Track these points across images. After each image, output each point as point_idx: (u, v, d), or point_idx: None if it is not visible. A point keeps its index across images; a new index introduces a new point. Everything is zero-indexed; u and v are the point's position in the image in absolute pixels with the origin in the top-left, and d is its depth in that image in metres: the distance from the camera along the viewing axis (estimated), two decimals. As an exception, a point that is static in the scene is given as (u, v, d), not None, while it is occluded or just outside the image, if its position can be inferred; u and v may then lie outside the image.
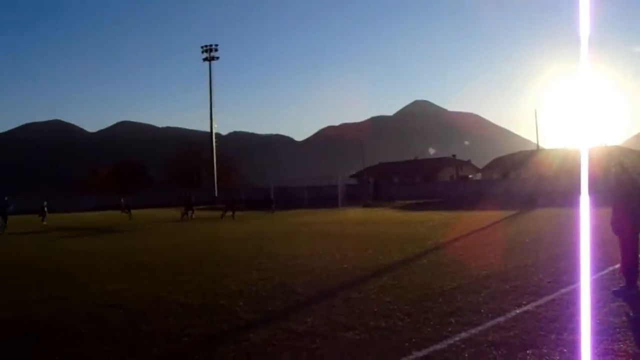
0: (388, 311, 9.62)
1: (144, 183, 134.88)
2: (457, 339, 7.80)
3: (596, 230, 15.34)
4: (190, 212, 46.87)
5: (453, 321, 8.75)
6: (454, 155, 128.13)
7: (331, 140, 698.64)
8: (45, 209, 51.43)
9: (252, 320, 9.38)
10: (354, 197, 68.47)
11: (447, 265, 14.62)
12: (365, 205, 60.75)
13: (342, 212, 50.50)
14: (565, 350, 7.09)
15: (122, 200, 58.58)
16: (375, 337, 8.04)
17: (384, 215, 42.89)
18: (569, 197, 31.98)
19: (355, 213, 46.64)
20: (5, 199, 39.83)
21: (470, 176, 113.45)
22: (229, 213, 48.34)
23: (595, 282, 11.24)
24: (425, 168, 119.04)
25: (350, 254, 17.79)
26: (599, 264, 12.94)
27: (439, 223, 30.86)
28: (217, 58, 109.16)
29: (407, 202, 66.22)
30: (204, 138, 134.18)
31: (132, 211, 53.03)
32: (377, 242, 20.97)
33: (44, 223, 47.38)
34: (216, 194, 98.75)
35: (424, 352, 7.27)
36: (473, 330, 8.19)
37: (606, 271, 12.38)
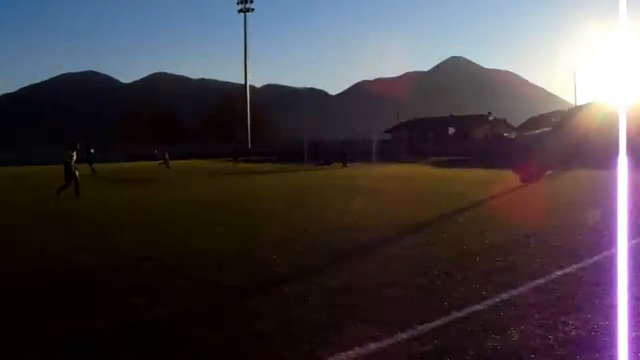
0: (426, 268, 9.39)
1: (178, 134, 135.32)
2: (497, 300, 7.55)
3: (636, 193, 15.12)
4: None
5: (492, 281, 8.52)
6: (489, 113, 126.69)
7: (366, 94, 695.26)
8: (167, 156, 53.33)
9: (286, 275, 9.21)
10: (388, 152, 68.07)
11: (484, 223, 14.33)
12: (400, 161, 60.41)
13: (376, 167, 50.25)
14: (609, 315, 6.83)
15: (156, 151, 58.42)
16: (414, 295, 7.82)
17: (419, 171, 42.59)
18: (605, 159, 31.59)
19: (389, 168, 46.30)
20: (92, 150, 41.50)
21: (505, 134, 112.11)
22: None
23: (636, 247, 10.92)
24: (460, 125, 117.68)
25: (385, 209, 17.58)
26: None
27: (474, 180, 30.57)
28: (252, 9, 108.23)
29: (441, 158, 65.63)
30: (238, 90, 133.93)
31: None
32: (412, 198, 20.76)
33: (168, 168, 49.93)
34: (249, 146, 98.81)
35: (464, 312, 7.03)
36: (513, 292, 7.94)
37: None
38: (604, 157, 37.29)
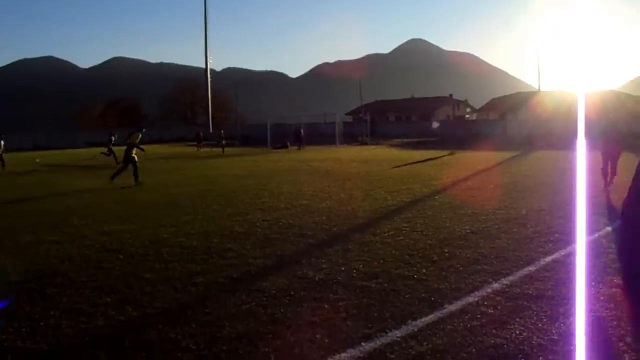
0: (408, 257, 8.98)
1: (139, 119, 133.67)
2: (489, 290, 7.18)
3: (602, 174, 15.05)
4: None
5: (481, 270, 8.12)
6: (450, 95, 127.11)
7: (326, 77, 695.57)
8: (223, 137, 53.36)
9: (263, 267, 8.72)
10: (350, 134, 67.70)
11: (460, 208, 13.94)
12: (362, 143, 60.10)
13: (340, 149, 49.83)
14: (610, 305, 6.48)
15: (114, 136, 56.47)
16: (401, 286, 7.38)
17: (383, 153, 42.18)
18: (566, 140, 31.54)
19: (353, 151, 45.88)
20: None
21: (467, 116, 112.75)
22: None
23: (620, 230, 10.57)
24: (422, 106, 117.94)
25: (356, 194, 17.13)
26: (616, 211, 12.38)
27: (440, 162, 30.24)
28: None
29: (403, 140, 65.50)
30: (198, 74, 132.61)
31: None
32: (382, 182, 20.29)
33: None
34: (210, 130, 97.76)
35: (457, 304, 6.63)
36: (504, 281, 7.57)
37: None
38: (564, 138, 37.68)
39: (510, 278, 7.70)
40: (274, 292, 7.32)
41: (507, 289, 7.19)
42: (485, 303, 6.67)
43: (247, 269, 8.57)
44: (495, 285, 7.36)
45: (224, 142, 52.51)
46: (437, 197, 16.21)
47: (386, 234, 10.89)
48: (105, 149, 42.15)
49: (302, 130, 54.11)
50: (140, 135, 22.94)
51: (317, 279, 7.86)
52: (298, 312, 6.54)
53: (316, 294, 7.20)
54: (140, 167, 22.53)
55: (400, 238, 10.51)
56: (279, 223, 12.50)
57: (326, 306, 6.71)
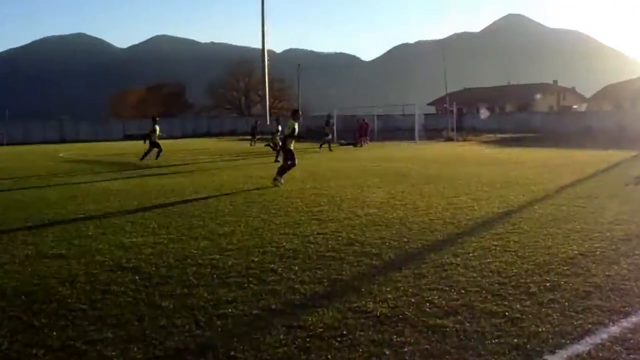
0: (498, 287, 8.31)
1: (185, 109, 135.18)
2: (604, 336, 6.44)
3: None
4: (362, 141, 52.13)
5: (593, 306, 7.39)
6: (555, 81, 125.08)
7: (405, 61, 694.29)
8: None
9: (311, 295, 8.20)
10: (433, 128, 67.02)
11: (565, 221, 13.21)
12: (447, 139, 59.42)
13: (419, 146, 49.23)
14: None
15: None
16: (487, 327, 6.72)
17: (472, 151, 41.61)
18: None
19: (436, 148, 45.25)
20: None
21: (574, 107, 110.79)
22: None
23: None
24: (519, 95, 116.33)
25: (436, 202, 16.56)
26: None
27: (541, 164, 29.36)
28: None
29: (497, 136, 64.59)
30: (254, 56, 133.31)
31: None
32: (468, 187, 19.68)
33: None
34: (268, 122, 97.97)
35: (561, 355, 5.93)
36: (624, 323, 6.82)
37: None
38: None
39: (633, 319, 6.97)
40: (320, 330, 6.77)
41: (628, 335, 6.46)
42: (600, 355, 5.95)
43: (291, 298, 8.07)
44: (613, 329, 6.63)
45: (329, 136, 48.09)
46: (536, 207, 15.51)
47: (470, 255, 10.27)
48: (270, 141, 41.42)
49: (368, 124, 53.57)
50: (295, 124, 22.82)
51: (378, 313, 7.29)
52: (349, 359, 5.96)
53: (375, 334, 6.61)
54: (179, 165, 22.29)
55: (488, 260, 9.86)
56: (337, 238, 12.03)
57: (387, 352, 6.11)
